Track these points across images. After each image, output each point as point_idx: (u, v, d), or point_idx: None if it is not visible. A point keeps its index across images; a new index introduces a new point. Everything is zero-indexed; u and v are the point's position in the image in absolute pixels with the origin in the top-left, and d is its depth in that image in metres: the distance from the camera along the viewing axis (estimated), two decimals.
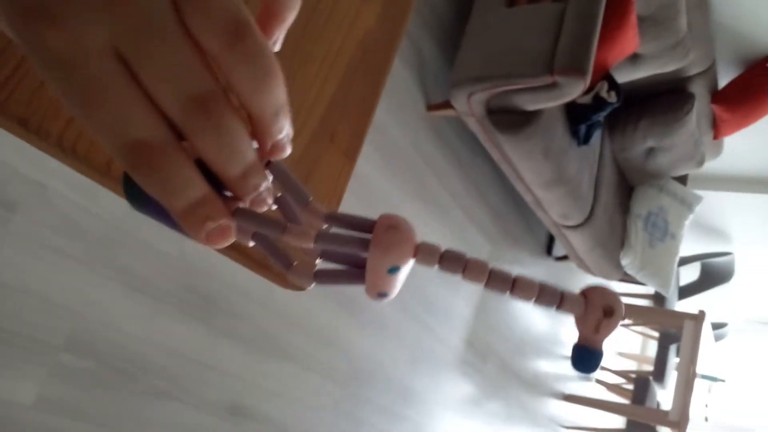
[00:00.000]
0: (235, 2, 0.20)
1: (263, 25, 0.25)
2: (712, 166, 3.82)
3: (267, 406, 1.70)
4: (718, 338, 4.42)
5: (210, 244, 0.22)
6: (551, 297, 0.28)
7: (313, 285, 0.29)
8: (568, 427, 3.86)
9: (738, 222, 4.14)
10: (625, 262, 3.09)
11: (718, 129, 3.08)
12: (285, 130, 0.23)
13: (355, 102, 0.49)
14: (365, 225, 0.28)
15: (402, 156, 2.11)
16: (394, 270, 0.27)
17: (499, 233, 2.82)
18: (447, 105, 2.12)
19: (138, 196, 0.24)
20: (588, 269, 3.15)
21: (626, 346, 4.85)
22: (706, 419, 3.89)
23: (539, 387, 3.44)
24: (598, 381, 4.16)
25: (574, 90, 1.86)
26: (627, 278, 3.32)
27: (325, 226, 0.28)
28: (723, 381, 3.77)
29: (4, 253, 1.09)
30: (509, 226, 2.91)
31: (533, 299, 0.28)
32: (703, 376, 3.66)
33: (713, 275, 4.18)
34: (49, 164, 1.14)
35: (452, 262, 0.28)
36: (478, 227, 2.65)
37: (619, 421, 4.63)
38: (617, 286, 4.50)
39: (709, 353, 3.81)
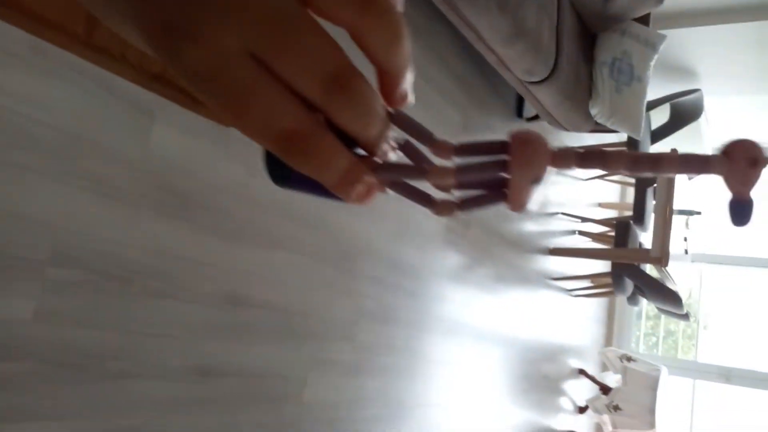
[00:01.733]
0: None
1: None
2: (671, 2, 3.76)
3: (264, 292, 1.76)
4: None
5: (361, 202, 0.25)
6: (698, 165, 0.28)
7: (459, 214, 0.31)
8: (556, 278, 4.06)
9: (703, 56, 4.14)
10: (594, 111, 3.11)
11: None
12: (411, 79, 0.24)
13: None
14: (495, 147, 0.29)
15: None
16: (536, 182, 0.28)
17: (467, 100, 2.81)
18: None
19: (284, 177, 0.25)
20: (559, 125, 3.18)
21: (605, 196, 4.99)
22: (686, 252, 4.09)
23: (524, 246, 3.57)
24: (581, 233, 4.31)
25: None
26: (598, 128, 3.36)
27: (456, 159, 0.29)
28: (699, 213, 3.92)
29: None
30: (477, 91, 2.90)
31: (679, 171, 0.28)
32: (680, 212, 3.80)
33: (683, 114, 4.23)
34: None
35: (592, 160, 0.28)
36: (445, 97, 2.63)
37: (604, 266, 4.86)
38: (590, 138, 4.56)
39: (683, 189, 3.93)
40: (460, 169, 0.29)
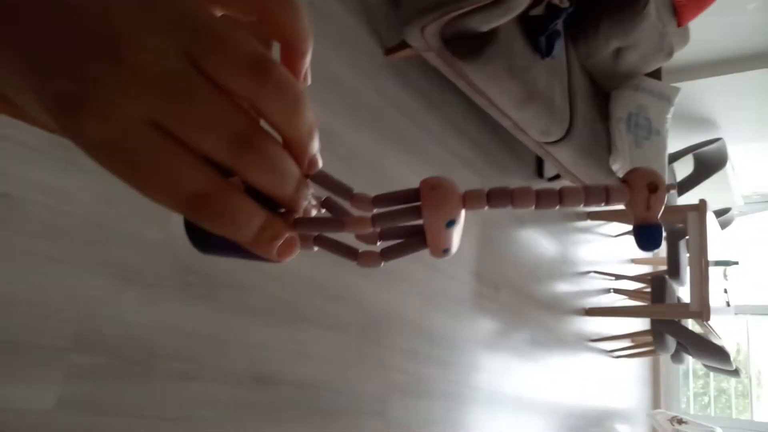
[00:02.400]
0: (249, 41, 0.21)
1: (287, 64, 0.26)
2: (682, 55, 3.79)
3: (293, 369, 1.73)
4: (724, 225, 4.45)
5: (282, 258, 0.25)
6: (598, 195, 0.30)
7: (382, 264, 0.32)
8: (594, 340, 3.92)
9: (720, 106, 4.13)
10: (615, 166, 3.09)
11: (679, 15, 3.05)
12: (317, 145, 0.25)
13: None
14: (410, 195, 0.30)
15: (370, 107, 2.10)
16: (450, 224, 0.29)
17: (486, 165, 2.83)
18: (403, 45, 2.11)
19: (203, 241, 0.25)
20: (582, 182, 3.17)
21: (638, 252, 4.88)
22: (728, 304, 3.94)
23: (559, 307, 3.49)
24: (616, 290, 4.20)
25: (521, 0, 1.85)
26: None
27: (375, 210, 0.31)
28: (736, 263, 3.80)
29: None
30: (495, 156, 2.92)
31: (582, 203, 0.30)
32: (716, 263, 3.69)
33: (707, 164, 4.19)
34: (8, 171, 1.15)
35: (499, 198, 0.30)
36: (464, 163, 2.65)
37: (643, 323, 4.69)
38: None
39: (717, 240, 3.84)
40: (377, 218, 0.29)
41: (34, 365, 1.15)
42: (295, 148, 0.24)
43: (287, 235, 0.24)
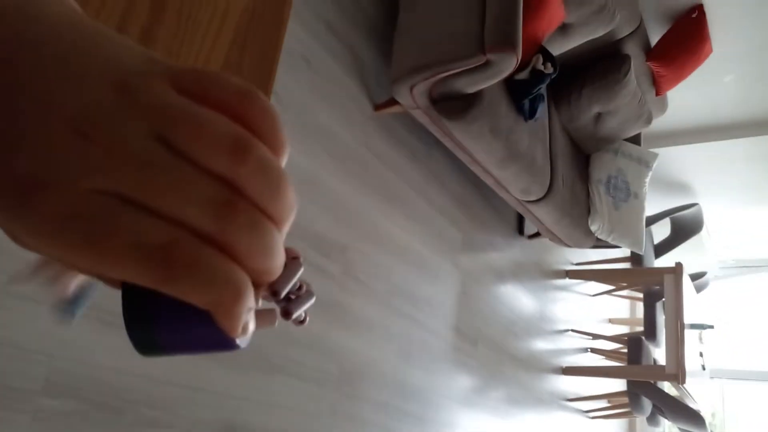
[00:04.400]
0: (227, 122, 0.20)
1: None
2: (661, 122, 3.93)
3: (264, 420, 1.70)
4: (700, 288, 4.50)
5: (246, 332, 0.21)
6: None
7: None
8: (571, 399, 3.90)
9: (697, 172, 4.25)
10: (594, 227, 3.15)
11: (658, 85, 3.17)
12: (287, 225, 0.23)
13: (251, 65, 0.52)
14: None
15: (357, 159, 2.14)
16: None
17: (467, 220, 2.87)
18: (392, 102, 2.17)
19: (148, 337, 0.21)
20: (561, 241, 3.21)
21: (615, 312, 4.92)
22: (703, 368, 3.96)
23: (536, 365, 3.48)
24: (593, 350, 4.21)
25: (508, 65, 1.92)
26: (600, 243, 3.38)
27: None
28: (711, 327, 3.84)
29: None
30: (476, 211, 2.96)
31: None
32: (692, 326, 3.73)
33: (684, 228, 4.28)
34: None
35: None
36: (446, 218, 2.69)
37: (620, 384, 4.68)
38: (593, 254, 4.57)
39: (693, 303, 3.88)
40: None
41: (1, 406, 1.13)
42: (277, 226, 0.22)
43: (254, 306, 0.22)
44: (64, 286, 0.24)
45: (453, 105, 2.08)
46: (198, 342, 0.21)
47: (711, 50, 3.00)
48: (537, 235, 3.48)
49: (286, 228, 0.23)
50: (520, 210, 2.85)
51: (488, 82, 2.00)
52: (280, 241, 0.22)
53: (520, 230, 3.44)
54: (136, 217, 0.19)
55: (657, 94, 3.21)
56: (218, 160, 0.20)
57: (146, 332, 0.21)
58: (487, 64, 1.92)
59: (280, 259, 0.22)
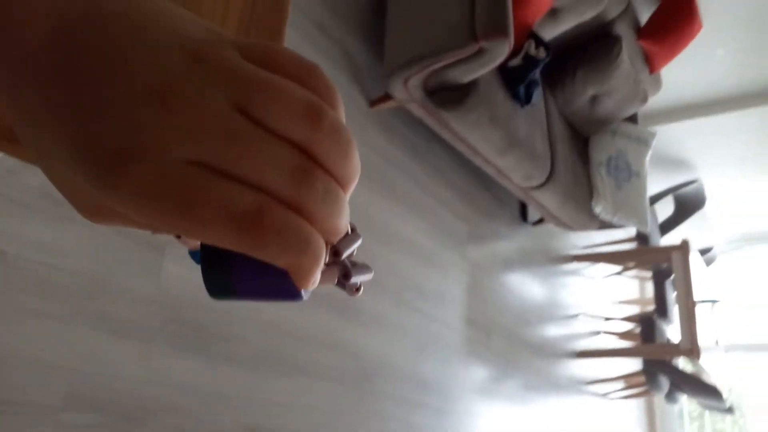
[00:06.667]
0: (300, 88, 0.21)
1: None
2: (657, 100, 3.93)
3: (286, 421, 1.71)
4: (709, 262, 4.51)
5: (312, 287, 0.23)
6: None
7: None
8: (589, 383, 3.90)
9: (696, 148, 4.25)
10: (598, 209, 3.16)
11: (651, 63, 3.18)
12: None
13: None
14: None
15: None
16: None
17: (472, 212, 2.87)
18: (387, 97, 2.17)
19: (223, 283, 0.23)
20: (566, 225, 3.22)
21: (625, 293, 4.92)
22: (717, 342, 3.96)
23: (550, 351, 3.48)
24: (607, 332, 4.21)
25: (501, 51, 1.93)
26: (605, 225, 3.39)
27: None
28: (717, 301, 3.85)
29: None
30: (480, 202, 2.97)
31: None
32: (703, 301, 3.73)
33: (687, 204, 4.28)
34: (3, 229, 1.16)
35: None
36: (451, 210, 2.69)
37: (636, 364, 4.68)
38: (598, 236, 4.57)
39: (703, 278, 3.88)
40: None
41: (23, 424, 1.14)
42: (345, 189, 0.23)
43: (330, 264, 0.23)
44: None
45: (449, 95, 2.09)
46: (269, 290, 0.23)
47: (701, 26, 3.01)
48: (541, 221, 3.49)
49: (351, 190, 0.24)
50: (523, 197, 2.85)
51: (482, 70, 2.01)
52: (347, 203, 0.23)
53: (524, 217, 3.45)
54: (224, 184, 0.20)
55: (651, 72, 3.22)
56: (295, 126, 0.21)
57: (223, 278, 0.22)
58: (480, 52, 1.93)
59: (347, 221, 0.23)
